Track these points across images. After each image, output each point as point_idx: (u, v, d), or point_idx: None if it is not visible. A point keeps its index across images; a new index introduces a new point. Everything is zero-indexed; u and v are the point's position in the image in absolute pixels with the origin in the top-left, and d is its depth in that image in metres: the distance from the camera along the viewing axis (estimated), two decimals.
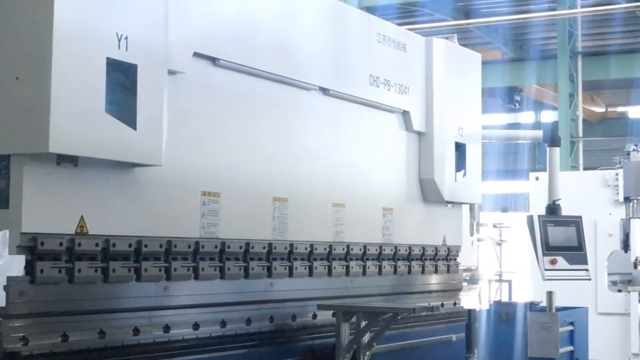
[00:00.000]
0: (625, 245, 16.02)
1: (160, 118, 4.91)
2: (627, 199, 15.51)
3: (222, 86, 5.70)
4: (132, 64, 4.74)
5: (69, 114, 4.41)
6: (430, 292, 7.75)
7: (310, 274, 6.33)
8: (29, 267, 4.51)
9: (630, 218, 15.60)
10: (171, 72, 5.15)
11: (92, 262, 4.74)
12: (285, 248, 6.09)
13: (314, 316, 6.38)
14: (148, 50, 4.85)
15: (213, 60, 5.61)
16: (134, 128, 4.72)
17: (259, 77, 5.97)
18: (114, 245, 4.84)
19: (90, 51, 4.54)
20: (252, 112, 5.94)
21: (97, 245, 4.75)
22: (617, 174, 16.76)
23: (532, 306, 9.53)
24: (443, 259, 7.86)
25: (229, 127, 5.74)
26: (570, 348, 9.71)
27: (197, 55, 5.46)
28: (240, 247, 5.72)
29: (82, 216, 4.69)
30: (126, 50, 4.71)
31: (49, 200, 4.57)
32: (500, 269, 22.42)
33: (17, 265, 4.49)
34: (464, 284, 8.70)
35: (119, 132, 4.65)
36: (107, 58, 4.61)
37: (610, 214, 16.70)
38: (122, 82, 4.69)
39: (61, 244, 4.61)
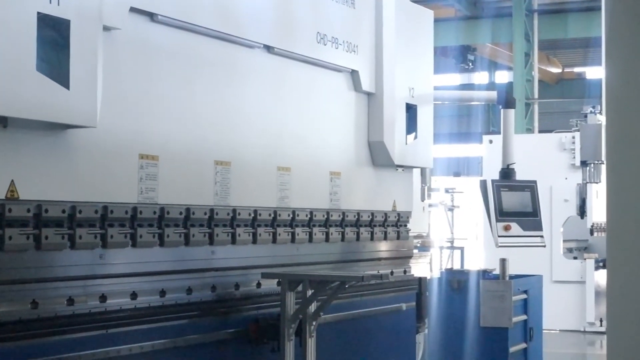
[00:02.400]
0: (582, 211, 16.23)
1: (95, 77, 4.88)
2: (583, 163, 15.69)
3: (161, 44, 5.67)
4: (64, 19, 4.69)
5: None
6: (379, 259, 7.79)
7: (254, 241, 6.34)
8: None
9: (587, 183, 15.80)
10: (106, 28, 5.11)
11: (23, 229, 4.71)
12: (228, 214, 6.10)
13: (258, 285, 6.40)
14: (81, 4, 4.80)
15: (150, 16, 5.57)
16: (67, 87, 4.69)
17: (200, 34, 5.94)
18: (46, 211, 4.81)
19: (20, 6, 4.49)
20: (192, 71, 5.91)
21: (28, 211, 4.73)
22: (573, 137, 16.97)
23: (484, 274, 9.66)
24: (393, 225, 7.91)
25: (168, 86, 5.72)
26: (524, 317, 9.86)
27: (133, 10, 5.42)
28: (180, 213, 5.71)
29: (12, 180, 4.66)
30: (58, 4, 4.66)
31: None
32: (452, 236, 22.63)
33: None
34: (415, 251, 8.77)
35: (51, 92, 4.61)
36: (38, 13, 4.56)
37: (566, 178, 16.92)
38: (54, 38, 4.65)
39: None
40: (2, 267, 4.64)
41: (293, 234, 6.70)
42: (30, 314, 4.75)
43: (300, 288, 6.20)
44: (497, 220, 9.15)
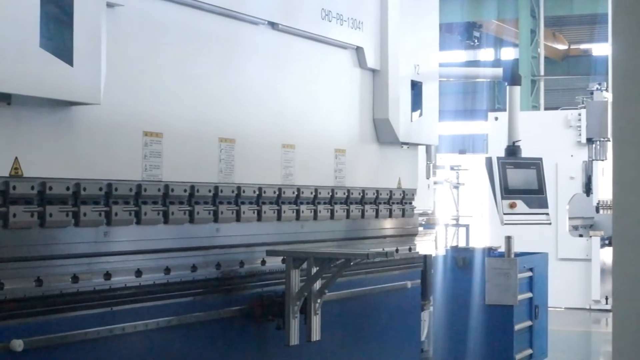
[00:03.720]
0: (588, 189, 16.23)
1: (99, 54, 4.87)
2: (589, 141, 15.67)
3: (164, 20, 5.66)
4: None
5: (0, 49, 4.36)
6: (384, 237, 7.80)
7: (259, 218, 6.34)
8: None
9: (593, 160, 15.78)
10: (110, 5, 5.10)
11: (27, 207, 4.71)
12: (232, 191, 6.10)
13: (263, 262, 6.41)
14: None
15: None
16: (71, 64, 4.68)
17: (204, 10, 5.92)
18: (50, 188, 4.81)
19: None
20: (197, 48, 5.90)
21: (32, 188, 4.73)
22: (579, 114, 16.94)
23: (490, 252, 9.69)
24: (398, 203, 7.91)
25: (172, 63, 5.71)
26: (529, 295, 9.89)
27: None
28: (185, 191, 5.71)
29: (16, 157, 4.66)
30: None
31: None
32: (458, 213, 22.66)
33: None
34: (420, 228, 8.77)
35: (54, 69, 4.60)
36: None
37: (572, 155, 16.91)
38: (57, 15, 4.64)
39: None
40: (7, 244, 4.64)
41: (298, 212, 6.70)
42: (35, 291, 4.76)
43: (305, 265, 6.21)
44: (503, 198, 9.16)
